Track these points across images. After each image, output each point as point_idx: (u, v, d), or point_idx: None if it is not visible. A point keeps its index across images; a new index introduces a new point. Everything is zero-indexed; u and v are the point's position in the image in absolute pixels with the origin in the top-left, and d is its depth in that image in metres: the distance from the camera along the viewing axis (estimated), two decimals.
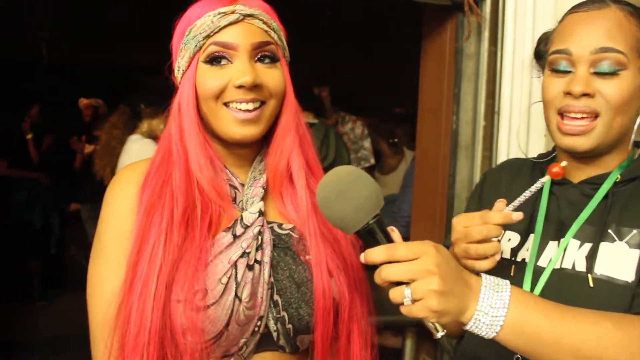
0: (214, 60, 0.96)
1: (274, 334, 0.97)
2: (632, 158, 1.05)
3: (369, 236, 0.83)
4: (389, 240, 0.83)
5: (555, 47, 1.02)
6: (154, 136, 3.11)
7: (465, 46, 2.10)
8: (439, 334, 0.80)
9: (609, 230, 0.97)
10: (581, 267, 0.98)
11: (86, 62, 6.22)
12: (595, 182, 1.03)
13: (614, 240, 0.96)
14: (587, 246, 0.99)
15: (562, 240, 1.02)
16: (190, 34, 0.97)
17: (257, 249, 0.96)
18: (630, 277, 0.92)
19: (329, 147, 3.03)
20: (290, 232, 1.02)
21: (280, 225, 1.03)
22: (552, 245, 1.04)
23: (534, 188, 0.98)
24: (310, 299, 0.97)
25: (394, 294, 0.79)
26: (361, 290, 1.05)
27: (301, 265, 1.00)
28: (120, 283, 0.92)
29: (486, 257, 0.96)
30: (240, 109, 0.96)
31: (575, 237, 1.01)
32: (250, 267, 0.95)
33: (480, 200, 1.21)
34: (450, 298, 0.78)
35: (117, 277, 0.93)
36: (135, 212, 0.95)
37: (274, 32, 1.00)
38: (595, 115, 0.98)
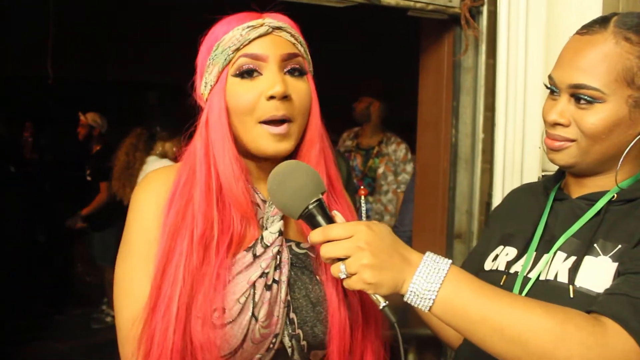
0: (245, 73, 0.96)
1: (289, 350, 0.98)
2: (635, 178, 1.03)
3: (312, 220, 0.89)
4: (331, 222, 0.89)
5: (551, 71, 1.05)
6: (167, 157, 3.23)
7: (463, 59, 2.11)
8: (381, 305, 0.86)
9: (595, 245, 0.98)
10: (563, 278, 0.99)
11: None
12: (591, 199, 1.04)
13: (599, 255, 0.96)
14: (572, 259, 1.00)
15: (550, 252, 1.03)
16: (219, 49, 0.97)
17: (275, 269, 0.97)
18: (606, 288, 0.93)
19: None
20: (308, 252, 1.03)
21: (298, 244, 1.03)
22: (545, 258, 1.05)
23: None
24: (325, 318, 0.99)
25: (334, 270, 0.86)
26: (375, 311, 1.05)
27: (317, 285, 1.01)
28: (148, 282, 0.94)
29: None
30: (273, 124, 0.96)
31: (561, 249, 1.02)
32: (268, 287, 0.96)
33: (493, 220, 1.28)
34: (383, 271, 0.84)
35: (145, 276, 0.95)
36: (160, 217, 0.97)
37: (301, 45, 1.01)
38: (571, 141, 1.01)
